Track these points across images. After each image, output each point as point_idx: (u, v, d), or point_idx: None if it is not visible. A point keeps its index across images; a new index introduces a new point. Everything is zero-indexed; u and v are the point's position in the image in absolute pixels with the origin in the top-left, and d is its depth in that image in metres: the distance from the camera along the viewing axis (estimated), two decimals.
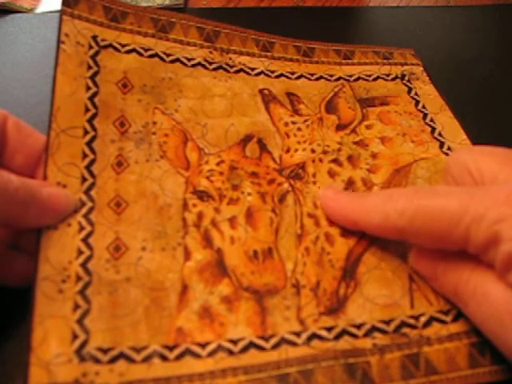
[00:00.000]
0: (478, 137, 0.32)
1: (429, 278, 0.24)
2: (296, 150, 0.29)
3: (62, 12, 0.28)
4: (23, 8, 0.44)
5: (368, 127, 0.31)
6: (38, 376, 0.19)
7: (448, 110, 0.34)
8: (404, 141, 0.31)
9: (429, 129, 0.32)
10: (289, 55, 0.33)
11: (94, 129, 0.26)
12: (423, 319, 0.24)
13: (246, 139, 0.28)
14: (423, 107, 0.33)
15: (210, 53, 0.31)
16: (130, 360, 0.21)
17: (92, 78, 0.27)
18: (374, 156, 0.30)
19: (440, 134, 0.32)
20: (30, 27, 0.41)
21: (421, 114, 0.33)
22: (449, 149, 0.31)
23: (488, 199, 0.20)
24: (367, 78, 0.34)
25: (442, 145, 0.31)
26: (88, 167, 0.25)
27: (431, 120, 0.33)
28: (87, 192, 0.24)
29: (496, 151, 0.24)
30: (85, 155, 0.25)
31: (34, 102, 0.34)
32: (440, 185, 0.28)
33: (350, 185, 0.28)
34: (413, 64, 0.36)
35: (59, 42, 0.27)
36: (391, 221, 0.23)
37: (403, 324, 0.24)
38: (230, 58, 0.31)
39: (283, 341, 0.22)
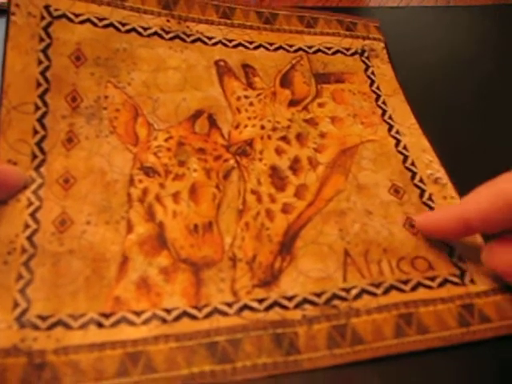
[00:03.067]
0: (479, 137, 0.32)
1: (505, 275, 0.25)
2: (245, 126, 0.29)
3: None
4: None
5: (320, 105, 0.32)
6: None
7: (401, 94, 0.34)
8: (354, 122, 0.31)
9: (380, 111, 0.32)
10: (249, 22, 0.33)
11: (46, 104, 0.26)
12: (354, 292, 0.25)
13: (197, 115, 0.29)
14: (377, 88, 0.34)
15: (168, 21, 0.31)
16: (68, 327, 0.22)
17: (44, 51, 0.27)
18: (322, 135, 0.30)
19: (390, 117, 0.32)
20: None
21: (374, 96, 0.33)
22: (397, 132, 0.32)
23: None
24: (327, 50, 0.34)
25: (390, 128, 0.32)
26: (38, 144, 0.26)
27: (383, 102, 0.33)
28: (37, 169, 0.25)
29: None
30: (36, 132, 0.26)
31: None
32: None
33: (295, 163, 0.29)
34: (375, 39, 0.36)
35: (9, 13, 0.27)
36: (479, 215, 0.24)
37: (334, 296, 0.25)
38: (188, 27, 0.31)
39: (215, 311, 0.24)
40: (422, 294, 0.25)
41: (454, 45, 0.36)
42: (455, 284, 0.26)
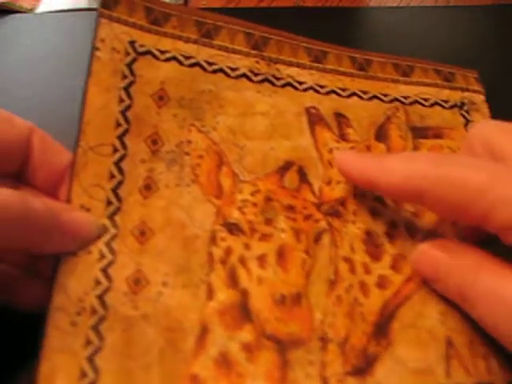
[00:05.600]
0: None
1: (431, 280, 0.24)
2: (338, 183, 0.26)
3: (99, 15, 0.25)
4: (23, 8, 0.43)
5: None
6: None
7: None
8: None
9: None
10: (342, 68, 0.30)
11: (125, 147, 0.24)
12: None
13: (286, 167, 0.26)
14: None
15: (257, 62, 0.28)
16: None
17: (126, 88, 0.25)
18: None
19: None
20: (29, 27, 0.41)
21: None
22: None
23: None
24: (424, 102, 0.31)
25: None
26: (114, 190, 0.23)
27: None
28: (111, 217, 0.23)
29: None
30: (112, 176, 0.23)
31: (32, 103, 0.34)
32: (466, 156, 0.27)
33: (392, 228, 0.26)
34: (474, 91, 0.33)
35: (94, 48, 0.25)
36: (412, 183, 0.22)
37: None
38: (278, 70, 0.29)
39: None
40: None
41: (454, 45, 0.35)
42: None
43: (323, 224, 0.25)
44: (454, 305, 0.24)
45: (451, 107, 0.32)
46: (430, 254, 0.23)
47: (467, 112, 0.32)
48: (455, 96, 0.32)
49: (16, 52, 0.39)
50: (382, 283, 0.24)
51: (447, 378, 0.22)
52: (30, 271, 0.24)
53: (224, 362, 0.21)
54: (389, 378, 0.22)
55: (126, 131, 0.24)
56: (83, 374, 0.20)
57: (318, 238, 0.25)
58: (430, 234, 0.26)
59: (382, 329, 0.23)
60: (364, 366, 0.22)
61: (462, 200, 0.20)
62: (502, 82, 0.35)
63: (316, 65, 0.29)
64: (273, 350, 0.22)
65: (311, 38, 0.30)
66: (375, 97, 0.30)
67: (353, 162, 0.25)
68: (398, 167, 0.22)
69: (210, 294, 0.22)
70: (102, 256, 0.22)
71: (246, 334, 0.22)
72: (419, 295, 0.24)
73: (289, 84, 0.28)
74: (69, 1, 0.44)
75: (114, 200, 0.23)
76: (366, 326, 0.23)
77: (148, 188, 0.24)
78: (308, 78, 0.29)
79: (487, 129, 0.24)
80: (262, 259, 0.24)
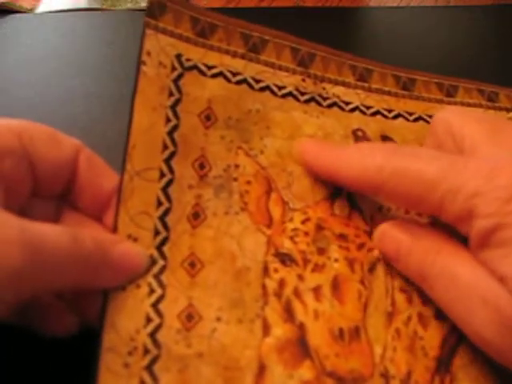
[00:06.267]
0: None
1: (392, 258, 0.23)
2: (389, 210, 0.25)
3: (144, 25, 0.24)
4: (23, 8, 0.43)
5: None
6: None
7: None
8: None
9: None
10: (387, 87, 0.29)
11: (172, 171, 0.23)
12: None
13: (335, 193, 0.25)
14: None
15: (303, 80, 0.27)
16: None
17: (173, 107, 0.24)
18: None
19: None
20: (29, 27, 0.40)
21: None
22: None
23: (468, 171, 0.20)
24: None
25: None
26: (162, 218, 0.22)
27: None
28: (159, 248, 0.21)
29: (485, 121, 0.23)
30: (160, 203, 0.22)
31: (32, 103, 0.33)
32: (423, 146, 0.27)
33: None
34: None
35: (140, 62, 0.23)
36: (369, 175, 0.22)
37: None
38: (324, 88, 0.28)
39: None
40: None
41: (454, 45, 0.35)
42: None
43: (377, 253, 0.24)
44: None
45: None
46: (392, 234, 0.23)
47: None
48: (500, 116, 0.31)
49: (16, 52, 0.38)
50: (440, 314, 0.23)
51: None
52: (66, 302, 0.22)
53: None
54: None
55: (172, 154, 0.23)
56: None
57: (372, 268, 0.24)
58: None
59: (444, 364, 0.22)
60: None
61: (416, 192, 0.21)
62: (502, 83, 0.34)
63: (361, 84, 0.28)
64: None
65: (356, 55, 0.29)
66: (420, 118, 0.29)
67: (314, 153, 0.25)
68: (356, 160, 0.23)
69: (266, 329, 0.21)
70: (152, 290, 0.21)
71: (306, 371, 0.21)
72: None
73: (335, 104, 0.27)
74: (69, 1, 0.44)
75: (161, 229, 0.22)
76: (427, 361, 0.22)
77: (196, 216, 0.23)
78: (354, 97, 0.28)
79: (447, 113, 0.25)
80: (317, 291, 0.22)
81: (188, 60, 0.25)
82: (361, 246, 0.24)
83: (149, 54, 0.24)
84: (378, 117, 0.28)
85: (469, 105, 0.30)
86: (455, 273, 0.20)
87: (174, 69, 0.24)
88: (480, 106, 0.31)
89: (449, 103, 0.30)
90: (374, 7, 0.47)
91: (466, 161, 0.20)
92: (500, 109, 0.31)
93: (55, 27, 0.37)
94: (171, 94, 0.24)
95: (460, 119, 0.23)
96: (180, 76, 0.24)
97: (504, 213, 0.19)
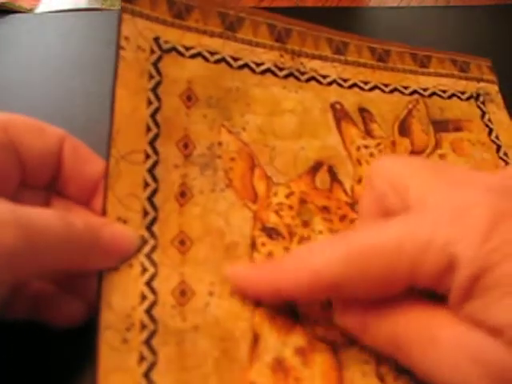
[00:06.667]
0: None
1: (359, 332, 0.21)
2: None
3: (121, 9, 0.24)
4: (23, 8, 0.43)
5: (441, 157, 0.29)
6: None
7: None
8: None
9: (502, 164, 0.30)
10: (363, 59, 0.30)
11: (156, 152, 0.23)
12: None
13: (316, 167, 0.26)
14: (496, 138, 0.31)
15: (281, 56, 0.28)
16: None
17: (154, 90, 0.24)
18: None
19: None
20: (29, 27, 0.40)
21: (494, 146, 0.31)
22: None
23: (429, 223, 0.18)
24: (442, 94, 0.31)
25: None
26: (150, 198, 0.22)
27: (505, 154, 0.30)
28: (149, 228, 0.22)
29: (425, 167, 0.21)
30: (146, 184, 0.22)
31: (32, 103, 0.33)
32: (360, 207, 0.24)
33: None
34: (488, 81, 0.33)
35: (118, 47, 0.24)
36: (322, 276, 0.19)
37: None
38: (302, 63, 0.28)
39: None
40: None
41: (453, 45, 0.35)
42: None
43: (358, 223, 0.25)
44: None
45: (468, 98, 0.32)
46: (355, 305, 0.21)
47: (483, 103, 0.32)
48: (471, 87, 0.32)
49: (16, 52, 0.38)
50: None
51: None
52: (66, 288, 0.23)
53: (280, 367, 0.21)
54: None
55: (156, 136, 0.23)
56: None
57: None
58: None
59: None
60: None
61: (381, 271, 0.18)
62: (501, 83, 0.35)
63: (338, 57, 0.29)
64: (326, 351, 0.22)
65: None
66: (396, 89, 0.30)
67: (248, 277, 0.22)
68: (301, 266, 0.20)
69: (258, 301, 0.22)
70: (144, 269, 0.21)
71: (298, 338, 0.22)
72: None
73: (313, 78, 0.28)
74: (69, 1, 0.45)
75: (150, 209, 0.22)
76: None
77: (183, 195, 0.23)
78: (331, 71, 0.29)
79: (384, 162, 0.22)
80: None
81: (166, 42, 0.25)
82: (343, 218, 0.25)
83: (127, 38, 0.24)
84: (355, 89, 0.29)
85: (441, 75, 0.31)
86: (435, 334, 0.18)
87: (152, 52, 0.24)
88: (452, 76, 0.32)
89: (423, 74, 0.31)
90: (374, 7, 0.48)
91: (420, 212, 0.19)
92: (471, 79, 0.32)
93: (55, 27, 0.37)
94: (151, 77, 0.24)
95: (399, 168, 0.21)
96: (159, 59, 0.25)
97: (484, 253, 0.17)
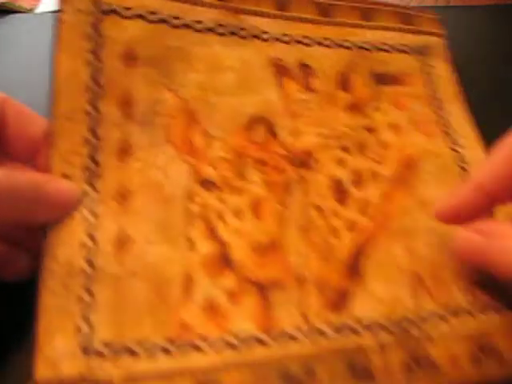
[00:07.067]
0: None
1: (481, 265, 0.23)
2: (304, 134, 0.28)
3: None
4: (23, 8, 0.43)
5: (379, 110, 0.30)
6: (44, 371, 0.20)
7: (461, 99, 0.32)
8: (414, 130, 0.30)
9: (440, 119, 0.31)
10: (306, 14, 0.30)
11: (98, 111, 0.24)
12: (427, 317, 0.25)
13: (254, 121, 0.27)
14: (436, 92, 0.32)
15: (222, 14, 0.28)
16: (134, 354, 0.21)
17: (94, 51, 0.25)
18: (382, 145, 0.29)
19: (450, 126, 0.31)
20: (29, 27, 0.41)
21: (434, 101, 0.31)
22: (458, 144, 0.30)
23: None
24: (386, 47, 0.32)
25: (451, 138, 0.30)
26: (91, 155, 0.24)
27: (443, 109, 0.31)
28: (91, 182, 0.24)
29: None
30: (87, 142, 0.24)
31: (32, 103, 0.34)
32: None
33: (357, 176, 0.28)
34: (434, 34, 0.33)
35: (58, 11, 0.25)
36: None
37: (406, 321, 0.24)
38: (243, 21, 0.29)
39: (286, 336, 0.23)
40: (496, 319, 0.25)
41: (453, 45, 0.35)
42: None
43: (293, 175, 0.27)
44: (419, 241, 0.26)
45: (412, 52, 0.32)
46: (474, 240, 0.23)
47: (425, 57, 0.33)
48: (415, 40, 0.33)
49: (16, 52, 0.39)
50: (350, 226, 0.26)
51: (416, 306, 0.25)
52: (16, 244, 0.24)
53: (210, 307, 0.23)
54: (363, 311, 0.24)
55: (97, 95, 0.25)
56: (79, 331, 0.21)
57: (289, 189, 0.26)
58: (393, 179, 0.28)
59: (354, 267, 0.25)
60: (340, 301, 0.24)
61: None
62: (501, 83, 0.36)
63: (280, 13, 0.30)
64: (255, 293, 0.24)
65: None
66: (339, 44, 0.31)
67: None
68: None
69: (192, 247, 0.24)
70: (85, 220, 0.23)
71: (229, 280, 0.24)
72: (386, 235, 0.26)
73: (254, 35, 0.29)
74: None
75: (91, 165, 0.24)
76: (339, 265, 0.25)
77: (124, 151, 0.25)
78: (273, 27, 0.29)
79: None
80: (237, 211, 0.25)
81: (106, 4, 0.26)
82: (278, 170, 0.26)
83: (67, 1, 0.25)
84: (297, 45, 0.30)
85: (386, 29, 0.32)
86: None
87: (92, 14, 0.25)
88: (398, 29, 0.32)
89: (369, 28, 0.31)
90: None
91: None
92: (416, 32, 0.33)
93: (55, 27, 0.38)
94: (91, 39, 0.25)
95: None
96: (99, 21, 0.26)
97: None
